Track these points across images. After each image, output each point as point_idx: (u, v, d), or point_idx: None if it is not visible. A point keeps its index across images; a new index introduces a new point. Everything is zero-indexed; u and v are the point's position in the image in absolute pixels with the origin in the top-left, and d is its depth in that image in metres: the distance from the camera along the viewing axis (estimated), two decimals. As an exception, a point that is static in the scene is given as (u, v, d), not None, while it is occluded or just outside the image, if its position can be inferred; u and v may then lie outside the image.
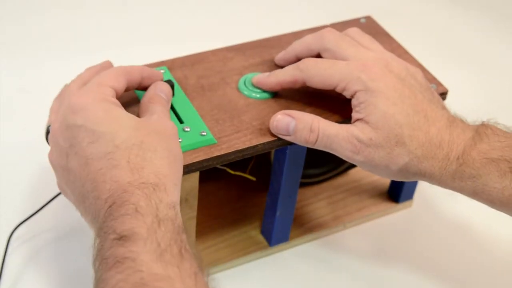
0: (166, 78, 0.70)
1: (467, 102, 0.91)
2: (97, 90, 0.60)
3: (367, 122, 0.63)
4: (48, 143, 0.65)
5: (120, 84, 0.62)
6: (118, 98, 0.63)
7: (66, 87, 0.70)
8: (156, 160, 0.57)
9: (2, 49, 1.00)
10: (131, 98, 0.67)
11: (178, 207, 0.56)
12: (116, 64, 0.71)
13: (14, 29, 1.04)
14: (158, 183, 0.55)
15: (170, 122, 0.61)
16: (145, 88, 0.66)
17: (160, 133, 0.59)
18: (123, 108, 0.60)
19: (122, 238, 0.51)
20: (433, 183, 0.65)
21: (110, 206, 0.54)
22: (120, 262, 0.50)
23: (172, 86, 0.67)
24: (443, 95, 0.73)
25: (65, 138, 0.59)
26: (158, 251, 0.51)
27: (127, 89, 0.64)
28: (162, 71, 0.71)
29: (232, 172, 0.75)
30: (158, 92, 0.64)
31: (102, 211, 0.55)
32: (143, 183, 0.55)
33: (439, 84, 0.74)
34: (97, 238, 0.54)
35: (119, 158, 0.56)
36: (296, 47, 0.71)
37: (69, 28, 1.05)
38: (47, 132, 0.65)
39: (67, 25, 1.06)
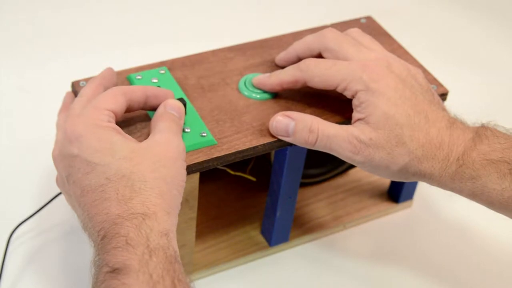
0: (166, 78, 0.70)
1: (467, 102, 0.91)
2: (93, 116, 0.59)
3: (367, 123, 0.63)
4: None
5: (119, 105, 0.61)
6: (124, 119, 0.63)
7: (70, 97, 0.70)
8: (145, 191, 0.56)
9: (2, 49, 1.00)
10: (146, 118, 0.67)
11: (172, 235, 0.56)
12: (116, 64, 0.71)
13: (14, 29, 1.04)
14: (148, 213, 0.55)
15: (175, 140, 0.60)
16: (153, 108, 0.64)
17: (157, 158, 0.58)
18: (120, 133, 0.59)
19: (114, 271, 0.52)
20: (433, 184, 0.65)
21: (102, 239, 0.54)
22: None
23: (185, 104, 0.65)
24: (444, 95, 0.73)
25: (64, 166, 0.60)
26: (151, 283, 0.51)
27: (130, 109, 0.63)
28: (162, 71, 0.71)
29: (232, 172, 0.75)
30: (168, 110, 0.63)
31: (96, 243, 0.55)
32: (131, 214, 0.55)
33: (439, 85, 0.74)
34: (93, 268, 0.54)
35: (109, 191, 0.56)
36: (297, 47, 0.71)
37: (69, 28, 1.05)
38: None
39: (67, 25, 1.06)
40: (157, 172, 0.57)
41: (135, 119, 0.66)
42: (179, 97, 0.66)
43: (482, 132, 0.63)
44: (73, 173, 0.58)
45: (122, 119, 0.64)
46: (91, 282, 0.54)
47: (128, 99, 0.62)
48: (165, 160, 0.58)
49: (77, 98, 0.63)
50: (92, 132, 0.58)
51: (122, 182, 0.56)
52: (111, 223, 0.54)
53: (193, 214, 0.67)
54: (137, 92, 0.63)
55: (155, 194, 0.56)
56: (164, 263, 0.52)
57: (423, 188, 0.84)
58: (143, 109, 0.65)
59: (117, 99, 0.61)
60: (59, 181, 0.63)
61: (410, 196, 0.83)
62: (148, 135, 0.62)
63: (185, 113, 0.65)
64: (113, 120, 0.60)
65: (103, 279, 0.52)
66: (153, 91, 0.64)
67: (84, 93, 0.63)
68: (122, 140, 0.58)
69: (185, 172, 0.60)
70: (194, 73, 0.72)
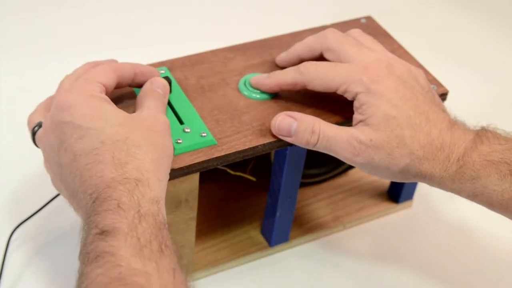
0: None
1: (467, 102, 0.91)
2: (84, 87, 0.60)
3: (368, 124, 0.63)
4: (35, 144, 0.66)
5: (109, 80, 0.62)
6: (111, 94, 0.64)
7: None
8: (139, 156, 0.57)
9: (2, 49, 1.00)
10: (130, 95, 0.68)
11: (162, 202, 0.57)
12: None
13: (14, 29, 1.04)
14: (141, 178, 0.56)
15: (161, 117, 0.62)
16: (140, 85, 0.66)
17: (147, 128, 0.59)
18: (111, 104, 0.60)
19: (103, 233, 0.52)
20: (433, 185, 0.65)
21: (94, 201, 0.55)
22: (100, 256, 0.51)
23: (170, 83, 0.67)
24: (444, 95, 0.73)
25: (55, 135, 0.60)
26: (138, 246, 0.51)
27: (119, 85, 0.64)
28: (162, 71, 0.71)
29: (232, 172, 0.75)
30: (154, 87, 0.64)
31: (88, 206, 0.56)
32: (126, 178, 0.55)
33: (439, 85, 0.74)
34: (83, 232, 0.55)
35: (104, 154, 0.57)
36: (298, 48, 0.71)
37: (69, 28, 1.05)
38: (33, 133, 0.65)
39: (67, 25, 1.06)
40: (150, 139, 0.58)
41: (122, 96, 0.67)
42: (166, 79, 0.67)
43: (483, 133, 0.63)
44: (65, 140, 0.59)
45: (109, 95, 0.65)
46: (79, 246, 0.54)
47: (118, 75, 0.63)
48: (154, 131, 0.60)
49: (67, 75, 0.65)
50: (85, 101, 0.59)
51: (117, 146, 0.57)
52: (104, 186, 0.55)
53: (193, 214, 0.67)
54: (127, 69, 0.64)
55: (148, 159, 0.57)
56: (152, 229, 0.53)
57: (423, 188, 0.84)
58: (130, 85, 0.66)
59: (107, 74, 0.62)
60: (47, 151, 0.63)
61: (410, 196, 0.83)
62: (134, 111, 0.63)
63: (170, 91, 0.67)
64: (104, 93, 0.61)
65: (92, 240, 0.52)
66: (141, 69, 0.66)
67: (75, 71, 0.65)
68: (114, 109, 0.60)
69: (172, 146, 0.61)
70: (194, 73, 0.72)
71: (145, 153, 0.57)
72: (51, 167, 0.62)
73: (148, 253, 0.51)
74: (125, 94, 0.68)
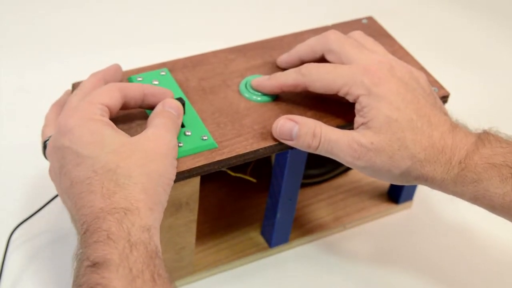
0: (166, 80, 0.70)
1: (468, 103, 0.91)
2: (86, 110, 0.60)
3: (369, 127, 0.63)
4: (45, 157, 0.66)
5: (114, 100, 0.61)
6: (118, 116, 0.63)
7: (68, 94, 0.70)
8: (128, 186, 0.56)
9: (2, 49, 1.00)
10: (144, 116, 0.66)
11: (154, 231, 0.56)
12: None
13: (14, 29, 1.04)
14: (130, 208, 0.55)
15: (167, 136, 0.60)
16: (151, 107, 0.64)
17: (145, 154, 0.58)
18: (112, 127, 0.59)
19: (95, 265, 0.52)
20: (434, 188, 0.65)
21: (84, 233, 0.55)
22: None
23: (183, 104, 0.65)
24: (445, 98, 0.73)
25: (57, 158, 0.60)
26: (130, 277, 0.51)
27: (127, 106, 0.63)
28: (163, 73, 0.71)
29: (232, 173, 0.75)
30: (166, 108, 0.63)
31: (79, 236, 0.56)
32: (114, 208, 0.55)
33: (440, 87, 0.73)
34: (76, 262, 0.55)
35: (95, 184, 0.56)
36: (300, 49, 0.71)
37: (69, 28, 1.05)
38: (44, 147, 0.65)
39: (67, 25, 1.06)
40: (144, 167, 0.57)
41: (134, 117, 0.66)
42: (179, 100, 0.66)
43: (485, 136, 0.63)
44: (65, 165, 0.59)
45: (121, 116, 0.65)
46: (72, 276, 0.54)
47: (123, 95, 0.62)
48: (153, 156, 0.58)
49: (75, 91, 0.64)
50: (84, 125, 0.59)
51: (107, 175, 0.56)
52: (93, 217, 0.55)
53: (193, 216, 0.67)
54: (134, 90, 0.63)
55: (138, 189, 0.56)
56: (144, 258, 0.53)
57: (423, 189, 0.84)
58: (141, 107, 0.65)
59: (112, 95, 0.61)
60: (52, 172, 0.63)
61: (410, 197, 0.83)
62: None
63: (184, 112, 0.65)
64: (107, 115, 0.61)
65: (84, 273, 0.52)
66: (151, 90, 0.64)
67: (83, 86, 0.64)
68: (112, 134, 0.59)
69: (174, 169, 0.60)
70: (195, 75, 0.72)
71: (135, 183, 0.56)
72: (56, 187, 0.63)
73: (141, 283, 0.51)
74: (139, 114, 0.66)
